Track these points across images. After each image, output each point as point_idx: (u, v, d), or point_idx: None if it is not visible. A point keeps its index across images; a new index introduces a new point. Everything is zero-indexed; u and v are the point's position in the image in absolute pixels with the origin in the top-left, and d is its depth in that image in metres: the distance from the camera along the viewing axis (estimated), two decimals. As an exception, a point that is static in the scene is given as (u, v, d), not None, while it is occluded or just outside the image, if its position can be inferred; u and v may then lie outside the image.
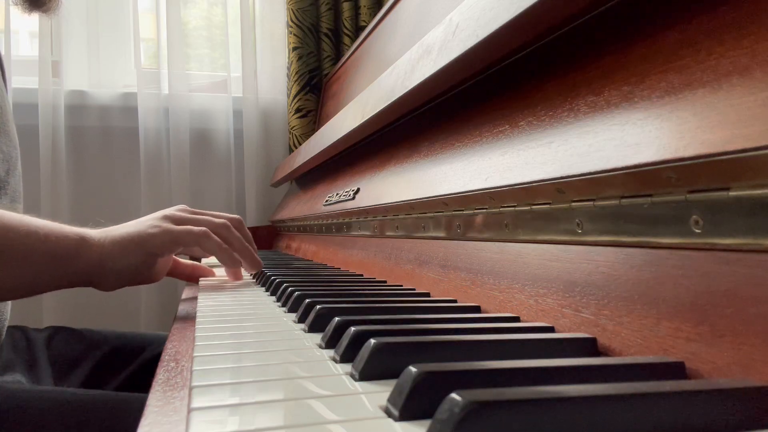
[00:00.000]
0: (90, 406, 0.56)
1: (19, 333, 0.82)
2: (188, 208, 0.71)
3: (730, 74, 0.25)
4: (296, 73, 1.75)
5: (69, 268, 0.59)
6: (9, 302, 0.77)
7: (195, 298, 0.60)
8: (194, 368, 0.30)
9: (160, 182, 1.67)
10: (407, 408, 0.22)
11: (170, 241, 0.63)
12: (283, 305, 0.52)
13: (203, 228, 0.65)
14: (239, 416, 0.23)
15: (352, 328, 0.32)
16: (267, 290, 0.64)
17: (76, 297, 1.57)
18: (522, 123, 0.42)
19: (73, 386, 0.78)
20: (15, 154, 0.80)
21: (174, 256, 0.76)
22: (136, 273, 0.62)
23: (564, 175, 0.33)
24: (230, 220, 0.72)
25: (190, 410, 0.24)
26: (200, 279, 0.77)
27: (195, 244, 0.64)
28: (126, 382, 0.81)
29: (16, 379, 0.72)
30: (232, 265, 0.69)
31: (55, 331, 0.85)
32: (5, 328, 0.76)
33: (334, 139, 0.89)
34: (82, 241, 0.60)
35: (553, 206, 0.36)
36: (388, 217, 0.69)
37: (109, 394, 0.61)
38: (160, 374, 0.32)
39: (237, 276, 0.76)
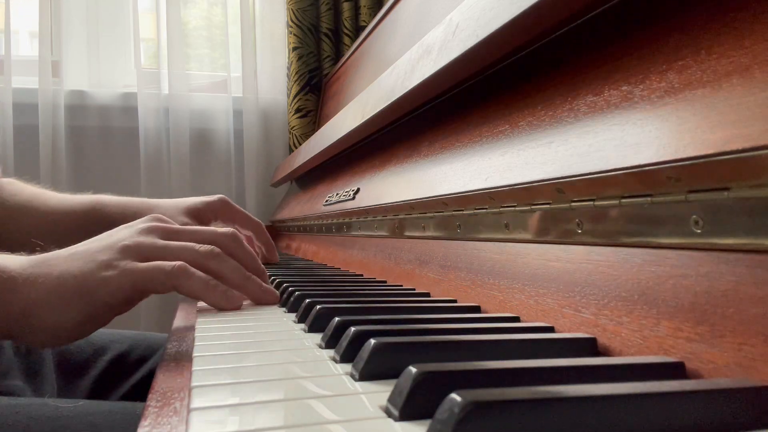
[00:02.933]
0: (89, 421, 0.49)
1: None
2: (162, 224, 0.51)
3: (730, 74, 0.25)
4: (296, 73, 1.75)
5: None
6: None
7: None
8: (194, 368, 0.30)
9: (160, 182, 1.67)
10: (407, 408, 0.22)
11: (130, 287, 0.45)
12: (283, 305, 0.52)
13: (178, 263, 0.46)
14: (239, 416, 0.23)
15: (352, 328, 0.32)
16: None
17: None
18: (522, 123, 0.42)
19: (78, 394, 0.76)
20: None
21: None
22: (82, 329, 0.45)
23: (564, 175, 0.33)
24: (221, 242, 0.51)
25: (189, 410, 0.24)
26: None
27: (170, 288, 0.47)
28: (133, 390, 0.78)
29: (16, 385, 0.69)
30: (229, 308, 0.49)
31: None
32: None
33: (334, 139, 0.89)
34: None
35: (553, 206, 0.36)
36: (388, 217, 0.69)
37: (107, 405, 0.54)
38: (160, 374, 0.32)
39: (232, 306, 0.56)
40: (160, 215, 0.53)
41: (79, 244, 0.49)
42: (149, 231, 0.50)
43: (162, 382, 0.30)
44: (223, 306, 0.49)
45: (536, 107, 0.41)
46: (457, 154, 0.51)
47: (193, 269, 0.47)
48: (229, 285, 0.50)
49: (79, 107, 1.67)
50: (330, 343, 0.35)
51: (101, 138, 1.70)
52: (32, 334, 0.44)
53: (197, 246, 0.49)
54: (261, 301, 0.52)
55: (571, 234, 0.35)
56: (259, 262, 0.55)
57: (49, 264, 0.45)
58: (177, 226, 0.52)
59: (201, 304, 0.54)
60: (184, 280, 0.46)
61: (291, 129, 1.77)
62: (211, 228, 0.54)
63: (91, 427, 0.48)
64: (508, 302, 0.41)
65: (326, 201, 0.95)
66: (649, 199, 0.28)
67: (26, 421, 0.47)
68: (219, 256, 0.49)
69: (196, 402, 0.24)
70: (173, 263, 0.46)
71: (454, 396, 0.19)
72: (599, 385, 0.21)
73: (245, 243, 0.54)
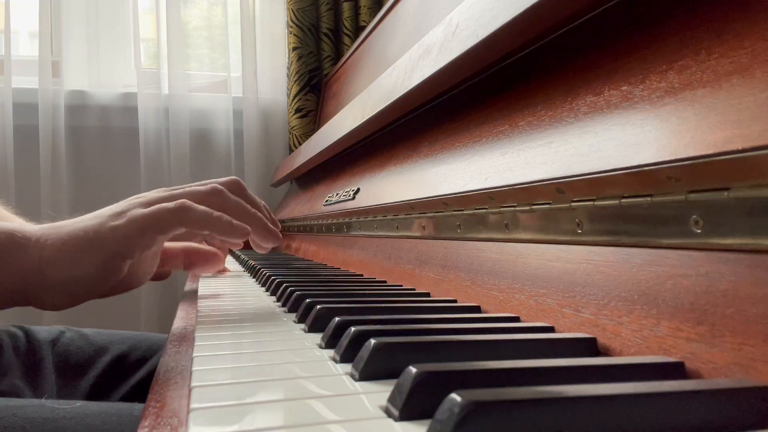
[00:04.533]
0: (86, 423, 0.50)
1: (21, 333, 0.78)
2: (168, 188, 0.53)
3: (730, 74, 0.25)
4: (296, 73, 1.75)
5: None
6: None
7: (195, 298, 0.60)
8: (194, 368, 0.30)
9: (160, 182, 1.67)
10: (407, 408, 0.22)
11: (138, 232, 0.45)
12: (283, 305, 0.52)
13: (182, 201, 0.47)
14: (239, 416, 0.23)
15: (352, 328, 0.32)
16: (267, 290, 0.64)
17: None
18: (522, 123, 0.42)
19: (78, 394, 0.75)
20: None
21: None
22: (97, 283, 0.46)
23: (564, 175, 0.33)
24: (223, 183, 0.52)
25: (189, 410, 0.24)
26: (201, 276, 0.70)
27: (176, 224, 0.46)
28: (133, 390, 0.78)
29: (14, 384, 0.69)
30: (236, 236, 0.49)
31: (61, 333, 0.82)
32: None
33: (334, 139, 0.89)
34: (10, 241, 0.44)
35: (553, 206, 0.36)
36: (388, 217, 0.69)
37: (105, 406, 0.54)
38: (160, 374, 0.32)
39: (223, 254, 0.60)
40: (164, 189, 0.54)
41: None
42: (156, 191, 0.51)
43: (161, 382, 0.30)
44: (229, 234, 0.48)
45: (536, 107, 0.41)
46: (457, 154, 0.51)
47: (195, 204, 0.47)
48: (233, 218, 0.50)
49: (79, 107, 1.67)
50: (330, 343, 0.35)
51: (101, 138, 1.70)
52: (47, 292, 0.45)
53: (199, 186, 0.50)
54: (264, 238, 0.52)
55: (571, 234, 0.35)
56: (263, 205, 0.55)
57: (59, 225, 0.47)
58: (182, 186, 0.54)
59: (201, 303, 0.54)
60: (188, 214, 0.46)
61: (291, 129, 1.77)
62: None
63: (89, 428, 0.48)
64: (508, 302, 0.41)
65: (326, 201, 0.95)
66: (649, 199, 0.28)
67: (23, 422, 0.47)
68: (222, 193, 0.50)
69: (196, 402, 0.24)
70: (175, 201, 0.47)
71: (454, 396, 0.19)
72: (599, 385, 0.21)
73: (248, 190, 0.55)
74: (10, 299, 0.45)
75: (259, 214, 0.52)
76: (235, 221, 0.48)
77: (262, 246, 0.54)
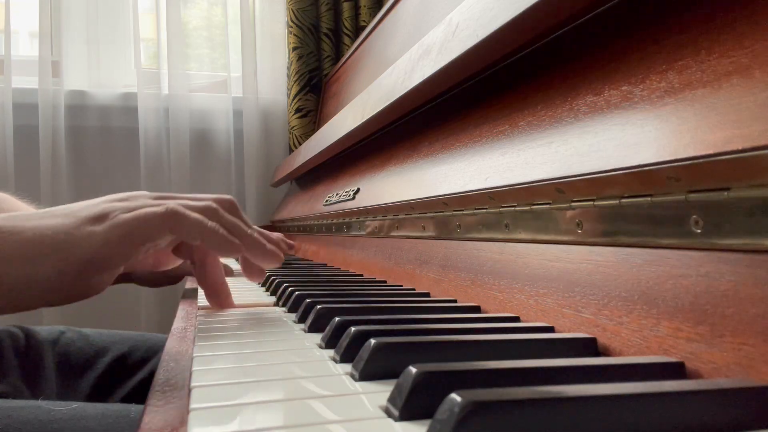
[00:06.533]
0: (83, 425, 0.48)
1: (21, 334, 0.78)
2: (154, 194, 0.47)
3: (730, 74, 0.25)
4: (296, 73, 1.75)
5: None
6: None
7: (195, 298, 0.60)
8: (194, 368, 0.30)
9: (160, 182, 1.67)
10: (407, 408, 0.22)
11: (119, 239, 0.40)
12: (283, 305, 0.52)
13: (173, 206, 0.42)
14: (239, 416, 0.23)
15: (352, 328, 0.32)
16: (267, 290, 0.64)
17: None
18: (522, 123, 0.42)
19: (79, 395, 0.75)
20: None
21: None
22: (53, 290, 0.40)
23: (564, 175, 0.33)
24: (217, 201, 0.48)
25: (189, 410, 0.24)
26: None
27: (164, 231, 0.42)
28: (134, 391, 0.77)
29: (14, 385, 0.68)
30: (229, 251, 0.44)
31: (61, 334, 0.80)
32: None
33: (334, 139, 0.89)
34: None
35: (553, 206, 0.36)
36: (388, 217, 0.69)
37: (101, 408, 0.52)
38: (160, 374, 0.32)
39: (223, 301, 0.51)
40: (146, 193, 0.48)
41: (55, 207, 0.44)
42: (138, 195, 0.46)
43: (161, 382, 0.30)
44: (224, 250, 0.44)
45: (536, 107, 0.41)
46: (457, 154, 0.51)
47: (187, 210, 0.43)
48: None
49: (79, 107, 1.67)
50: (330, 343, 0.35)
51: (101, 138, 1.70)
52: (1, 295, 0.39)
53: (192, 202, 0.46)
54: (264, 258, 0.48)
55: (571, 234, 0.35)
56: (258, 230, 0.51)
57: (25, 217, 0.41)
58: (170, 195, 0.48)
59: (202, 301, 0.54)
60: (179, 220, 0.42)
61: (291, 129, 1.77)
62: (202, 195, 0.50)
63: (85, 430, 0.48)
64: (508, 302, 0.41)
65: (326, 201, 0.95)
66: (649, 199, 0.28)
67: (18, 425, 0.47)
68: (217, 212, 0.46)
69: (196, 402, 0.24)
70: (167, 207, 0.42)
71: (454, 396, 0.19)
72: (599, 385, 0.21)
73: (242, 212, 0.51)
74: None
75: (256, 234, 0.48)
76: (230, 237, 0.44)
77: (260, 269, 0.50)
